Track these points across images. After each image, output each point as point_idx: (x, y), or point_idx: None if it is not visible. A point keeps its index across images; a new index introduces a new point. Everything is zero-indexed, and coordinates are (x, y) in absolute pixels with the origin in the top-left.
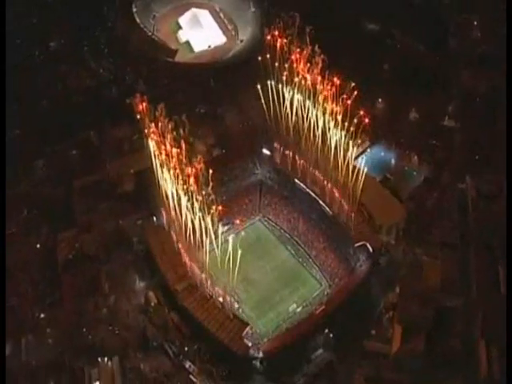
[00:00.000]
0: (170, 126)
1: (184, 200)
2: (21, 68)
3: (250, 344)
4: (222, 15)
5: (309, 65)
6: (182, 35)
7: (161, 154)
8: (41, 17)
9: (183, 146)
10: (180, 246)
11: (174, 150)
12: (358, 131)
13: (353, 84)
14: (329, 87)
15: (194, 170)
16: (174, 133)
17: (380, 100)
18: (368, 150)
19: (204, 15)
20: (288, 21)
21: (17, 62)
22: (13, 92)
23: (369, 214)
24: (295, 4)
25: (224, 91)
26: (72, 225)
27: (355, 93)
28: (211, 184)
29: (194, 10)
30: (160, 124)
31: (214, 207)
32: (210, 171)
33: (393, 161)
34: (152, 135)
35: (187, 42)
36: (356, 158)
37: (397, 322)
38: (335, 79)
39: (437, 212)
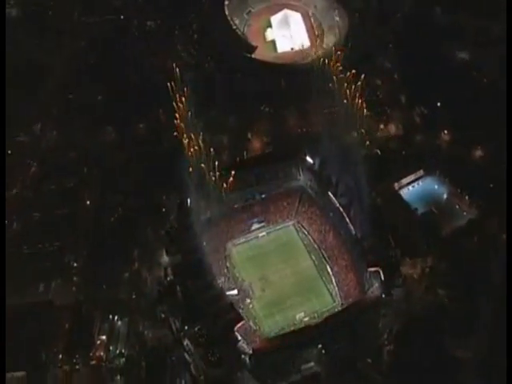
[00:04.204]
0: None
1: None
2: (115, 41)
3: (239, 338)
4: (312, 20)
5: None
6: (270, 34)
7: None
8: None
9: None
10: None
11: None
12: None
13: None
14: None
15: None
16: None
17: (446, 131)
18: (421, 180)
19: (295, 17)
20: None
21: (113, 36)
22: (105, 61)
23: (395, 242)
24: (386, 23)
25: (293, 94)
26: (122, 190)
27: None
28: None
29: (286, 10)
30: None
31: None
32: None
33: (444, 196)
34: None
35: (273, 41)
36: (406, 185)
37: (394, 355)
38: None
39: (471, 258)
